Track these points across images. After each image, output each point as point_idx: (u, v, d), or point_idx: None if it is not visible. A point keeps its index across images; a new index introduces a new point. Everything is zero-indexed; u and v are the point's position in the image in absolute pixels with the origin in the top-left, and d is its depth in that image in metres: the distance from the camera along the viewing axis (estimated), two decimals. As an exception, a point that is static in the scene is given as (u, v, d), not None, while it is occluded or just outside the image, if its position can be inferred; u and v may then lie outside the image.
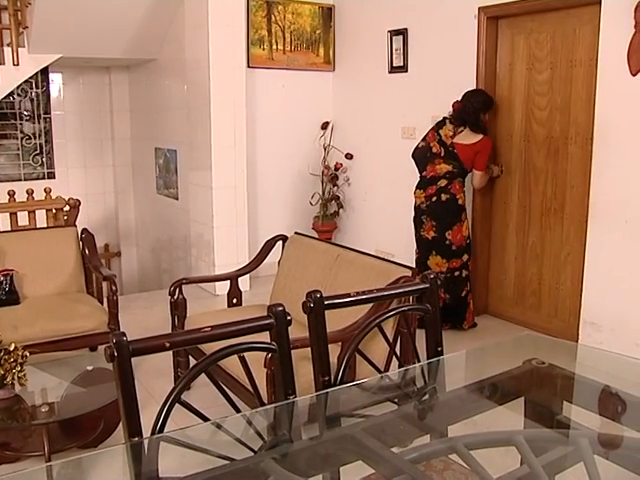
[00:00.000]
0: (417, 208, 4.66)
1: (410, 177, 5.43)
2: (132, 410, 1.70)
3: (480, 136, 4.50)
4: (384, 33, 5.49)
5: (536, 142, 4.52)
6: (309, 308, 2.06)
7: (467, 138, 4.51)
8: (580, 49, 4.18)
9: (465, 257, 4.58)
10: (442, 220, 4.54)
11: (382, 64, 5.55)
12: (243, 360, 1.93)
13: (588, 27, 4.06)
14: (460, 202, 4.53)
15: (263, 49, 5.86)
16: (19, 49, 5.36)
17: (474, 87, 4.68)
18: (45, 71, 6.26)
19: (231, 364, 2.70)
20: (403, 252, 5.45)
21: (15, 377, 2.78)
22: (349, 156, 6.03)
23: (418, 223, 4.66)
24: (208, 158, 5.32)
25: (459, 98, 4.58)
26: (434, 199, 4.55)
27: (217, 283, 5.22)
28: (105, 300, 4.01)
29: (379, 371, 2.38)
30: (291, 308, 2.04)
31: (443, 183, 4.52)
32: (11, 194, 4.91)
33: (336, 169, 6.13)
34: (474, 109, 4.48)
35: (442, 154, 4.53)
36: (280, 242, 3.91)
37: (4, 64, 5.35)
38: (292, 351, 1.98)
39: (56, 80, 6.71)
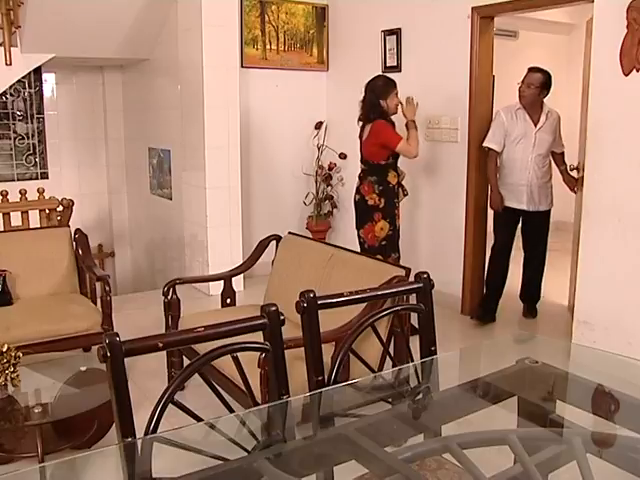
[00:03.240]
0: None
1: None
2: (125, 411, 1.70)
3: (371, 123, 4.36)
4: (378, 33, 5.49)
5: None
6: (302, 308, 2.06)
7: (365, 133, 4.44)
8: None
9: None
10: (357, 218, 4.55)
11: (376, 64, 5.55)
12: (236, 360, 1.93)
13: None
14: (370, 203, 4.40)
15: (257, 49, 5.85)
16: (12, 49, 5.33)
17: (467, 87, 4.69)
18: (38, 71, 6.23)
19: (225, 364, 2.70)
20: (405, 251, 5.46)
21: (8, 378, 2.78)
22: (343, 156, 6.03)
23: None
24: (202, 158, 5.31)
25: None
26: (353, 199, 4.61)
27: (211, 283, 5.21)
28: (99, 300, 4.00)
29: (373, 371, 2.38)
30: (285, 308, 2.04)
31: (357, 184, 4.55)
32: (4, 194, 4.89)
33: (330, 169, 6.13)
34: (375, 97, 4.33)
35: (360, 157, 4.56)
36: (274, 242, 3.91)
37: (-3, 64, 5.33)
38: (286, 351, 1.98)
39: (49, 80, 6.67)
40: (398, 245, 4.49)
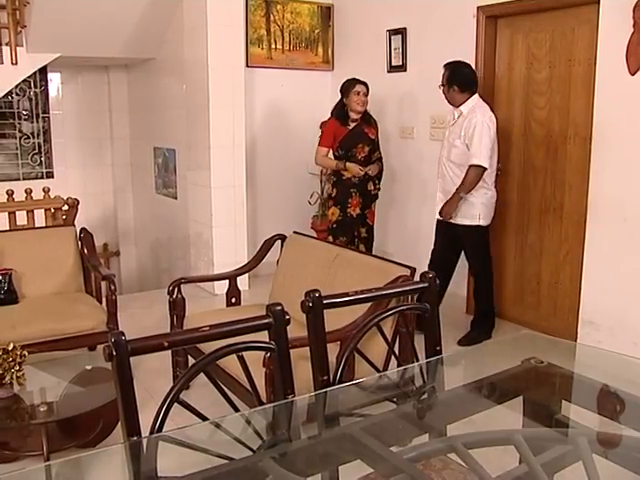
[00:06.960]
0: None
1: (408, 176, 5.44)
2: (131, 409, 1.70)
3: None
4: (383, 32, 5.49)
5: (535, 141, 4.51)
6: (308, 307, 2.06)
7: None
8: (579, 48, 4.17)
9: (330, 238, 4.91)
10: None
11: (381, 63, 5.54)
12: (242, 359, 1.93)
13: (587, 26, 4.05)
14: (328, 192, 5.11)
15: (262, 49, 5.85)
16: (17, 48, 5.34)
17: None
18: (44, 70, 6.25)
19: (230, 364, 2.70)
20: (402, 251, 5.45)
21: (14, 377, 2.78)
22: (348, 155, 6.04)
23: None
24: (207, 158, 5.31)
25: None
26: None
27: (216, 282, 5.21)
28: (104, 299, 4.01)
29: (378, 370, 2.38)
30: (290, 307, 2.04)
31: None
32: (10, 193, 4.90)
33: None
34: (341, 95, 4.83)
35: None
36: (279, 241, 3.91)
37: (2, 63, 5.33)
38: (291, 350, 1.98)
39: (55, 79, 6.69)
40: (348, 230, 4.92)
